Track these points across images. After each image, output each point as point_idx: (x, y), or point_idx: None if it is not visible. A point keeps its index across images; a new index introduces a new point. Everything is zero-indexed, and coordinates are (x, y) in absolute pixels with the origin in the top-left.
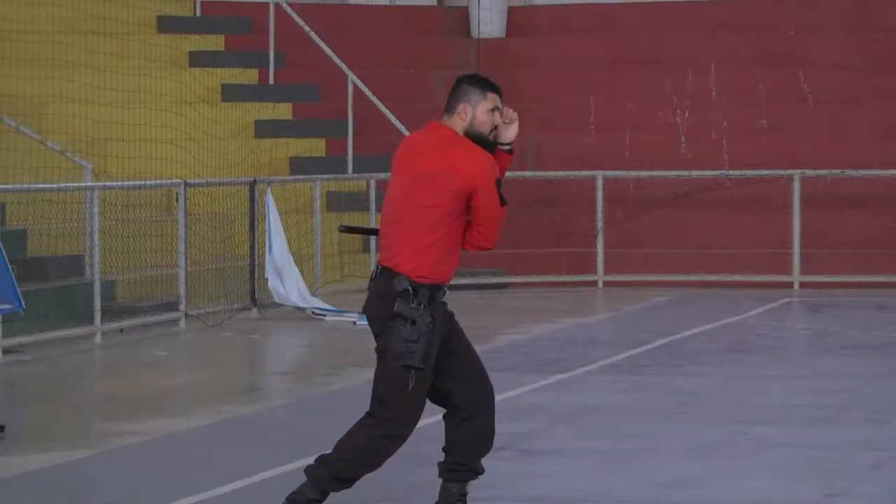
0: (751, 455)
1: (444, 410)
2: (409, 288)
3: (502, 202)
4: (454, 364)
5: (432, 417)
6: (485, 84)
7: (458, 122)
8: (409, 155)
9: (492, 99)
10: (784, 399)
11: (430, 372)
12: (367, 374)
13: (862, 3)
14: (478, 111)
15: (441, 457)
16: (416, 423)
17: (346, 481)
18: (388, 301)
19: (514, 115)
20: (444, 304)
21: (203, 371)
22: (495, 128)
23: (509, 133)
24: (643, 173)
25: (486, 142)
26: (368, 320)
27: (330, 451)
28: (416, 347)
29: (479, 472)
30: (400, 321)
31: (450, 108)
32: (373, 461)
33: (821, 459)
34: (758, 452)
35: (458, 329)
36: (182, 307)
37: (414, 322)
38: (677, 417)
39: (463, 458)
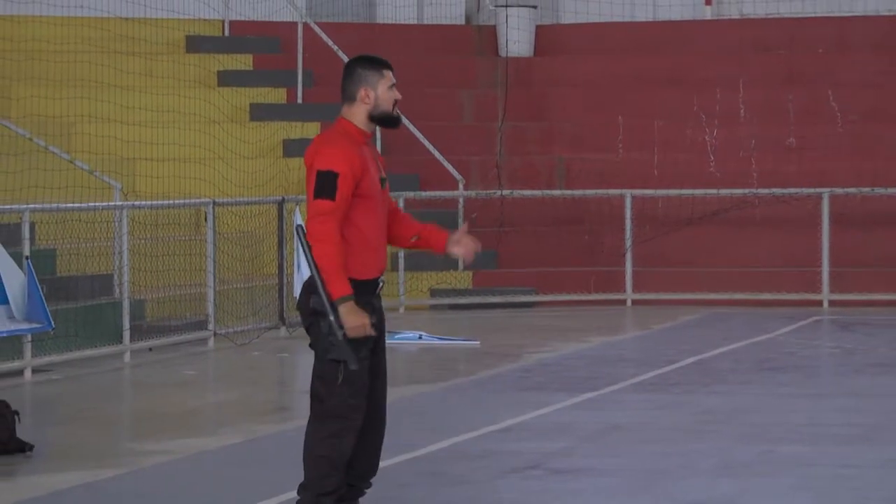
0: (781, 474)
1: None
2: None
3: (318, 194)
4: None
5: (457, 437)
6: (379, 63)
7: (362, 107)
8: None
9: (388, 76)
10: (814, 417)
11: (361, 364)
12: (395, 393)
13: (891, 22)
14: (379, 91)
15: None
16: (361, 413)
17: (329, 494)
18: (308, 297)
19: (467, 252)
20: (377, 301)
21: (232, 390)
22: (396, 103)
23: (455, 250)
24: (672, 192)
25: (391, 119)
26: (300, 317)
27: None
28: (336, 341)
29: (364, 490)
30: (318, 317)
31: (349, 97)
32: (337, 463)
33: (852, 478)
34: (788, 471)
35: (381, 346)
36: (211, 326)
37: (327, 316)
38: (706, 436)
39: (351, 480)
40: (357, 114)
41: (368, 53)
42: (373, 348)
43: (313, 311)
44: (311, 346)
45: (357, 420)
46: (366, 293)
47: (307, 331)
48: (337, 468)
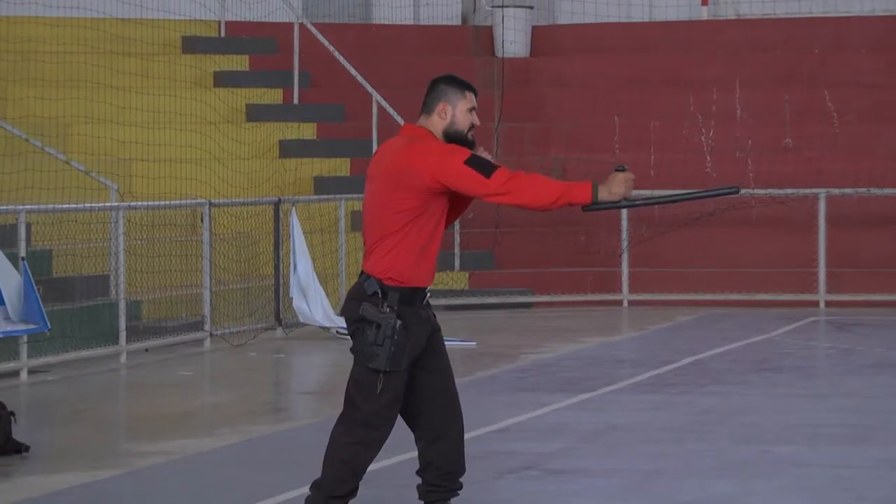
0: (778, 474)
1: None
2: (378, 291)
3: (487, 172)
4: (425, 382)
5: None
6: (462, 84)
7: (438, 121)
8: (377, 159)
9: (469, 98)
10: (810, 418)
11: (401, 376)
12: None
13: (887, 22)
14: (457, 110)
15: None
16: (390, 426)
17: (339, 498)
18: (357, 303)
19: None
20: (426, 310)
21: (228, 391)
22: (472, 127)
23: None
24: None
25: (466, 141)
26: (345, 322)
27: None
28: (381, 351)
29: (456, 490)
30: (365, 325)
31: (427, 109)
32: (356, 470)
33: (848, 478)
34: (785, 471)
35: (439, 344)
36: (207, 327)
37: (379, 326)
38: (703, 436)
39: (438, 481)
40: (432, 127)
41: (458, 76)
42: (427, 347)
43: (361, 318)
44: (352, 350)
45: (385, 432)
46: (414, 301)
47: (352, 336)
48: (354, 475)
